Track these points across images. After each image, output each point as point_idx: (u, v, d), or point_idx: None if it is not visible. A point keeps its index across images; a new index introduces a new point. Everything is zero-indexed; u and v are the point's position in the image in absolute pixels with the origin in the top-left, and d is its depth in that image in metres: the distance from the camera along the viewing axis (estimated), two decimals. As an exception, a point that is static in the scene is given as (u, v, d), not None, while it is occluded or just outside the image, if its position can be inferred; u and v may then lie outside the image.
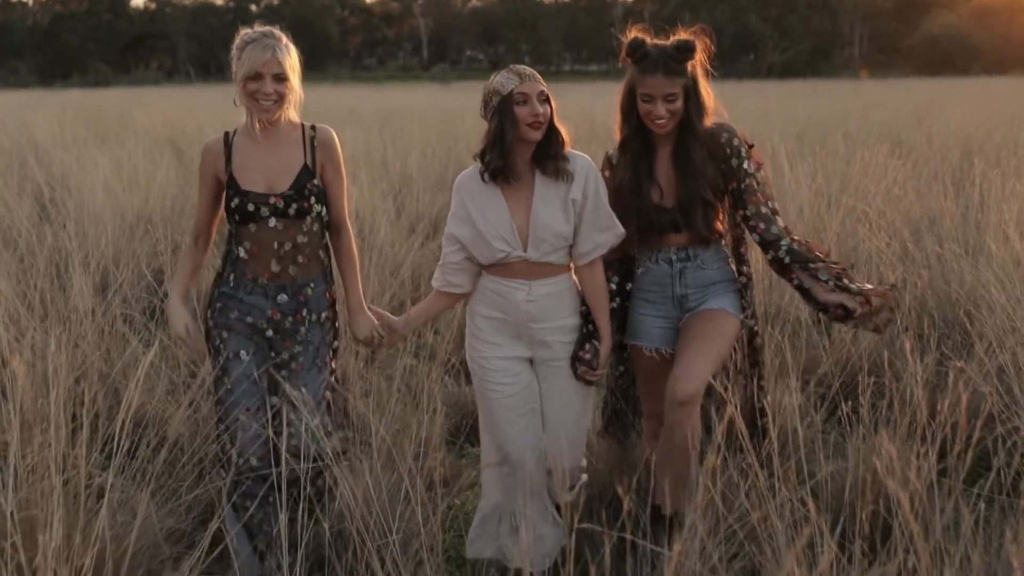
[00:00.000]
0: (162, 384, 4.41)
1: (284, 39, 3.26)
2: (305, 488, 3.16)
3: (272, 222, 3.27)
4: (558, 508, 3.35)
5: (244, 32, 3.27)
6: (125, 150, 11.19)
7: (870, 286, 3.31)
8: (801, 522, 2.94)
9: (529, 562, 3.10)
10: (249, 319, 3.32)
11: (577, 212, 3.24)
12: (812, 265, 3.32)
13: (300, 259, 3.31)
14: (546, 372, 3.34)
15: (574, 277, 3.37)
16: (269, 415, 3.21)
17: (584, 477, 3.49)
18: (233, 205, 3.28)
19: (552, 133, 3.20)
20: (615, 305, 3.48)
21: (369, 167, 10.60)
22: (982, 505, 3.20)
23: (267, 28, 3.28)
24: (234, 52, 3.26)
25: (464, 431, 4.52)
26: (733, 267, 3.50)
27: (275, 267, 3.29)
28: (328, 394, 3.39)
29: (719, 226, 3.43)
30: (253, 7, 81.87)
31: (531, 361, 3.36)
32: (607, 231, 3.30)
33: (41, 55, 73.26)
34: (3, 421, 3.55)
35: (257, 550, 3.30)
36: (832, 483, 3.55)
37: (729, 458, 3.45)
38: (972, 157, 9.07)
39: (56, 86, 56.32)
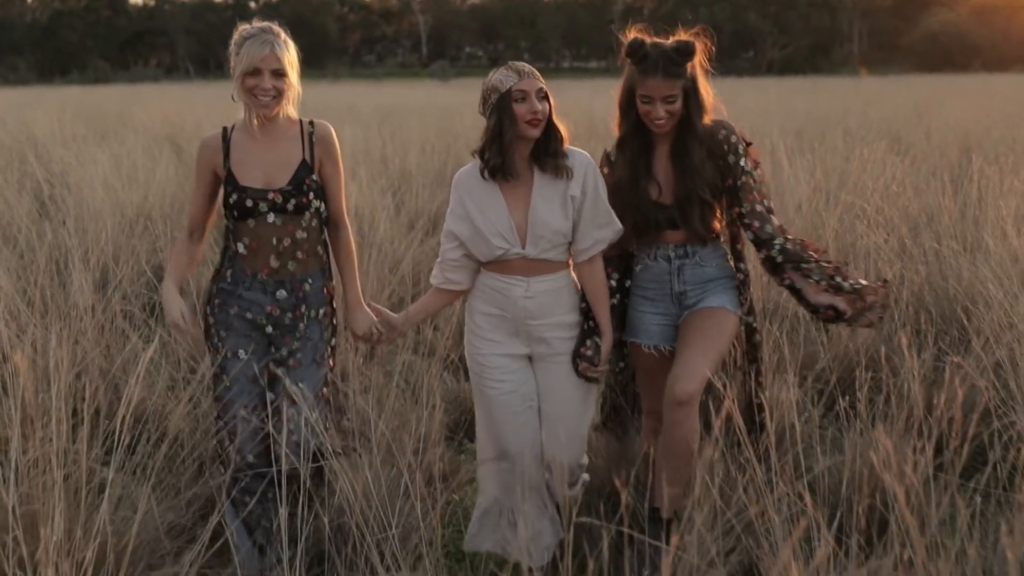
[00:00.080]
0: (162, 380, 4.42)
1: (283, 35, 3.27)
2: (305, 483, 3.17)
3: (271, 218, 3.28)
4: (558, 506, 3.36)
5: (242, 28, 3.27)
6: (124, 147, 11.19)
7: (864, 282, 3.31)
8: (798, 516, 2.96)
9: (528, 556, 3.12)
10: (248, 315, 3.33)
11: (576, 209, 3.25)
12: (805, 265, 3.32)
13: (299, 255, 3.32)
14: (544, 368, 3.35)
15: (573, 274, 3.38)
16: (269, 411, 3.21)
17: (585, 476, 3.49)
18: (231, 201, 3.28)
19: (551, 130, 3.20)
20: (615, 302, 3.48)
21: (368, 164, 10.61)
22: (978, 499, 3.22)
23: (265, 24, 3.29)
24: (232, 48, 3.26)
25: (463, 427, 4.53)
26: (731, 264, 3.51)
27: (274, 263, 3.30)
28: (325, 390, 3.39)
29: (717, 226, 3.43)
30: (252, 3, 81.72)
31: (530, 358, 3.37)
32: (606, 227, 3.30)
33: (40, 52, 73.22)
34: (4, 416, 3.57)
35: (257, 544, 3.32)
36: (829, 477, 3.57)
37: (727, 453, 3.47)
38: (971, 154, 9.08)
39: (55, 83, 56.27)
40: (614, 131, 3.47)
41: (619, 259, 3.51)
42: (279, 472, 3.01)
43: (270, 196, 3.27)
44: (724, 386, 3.12)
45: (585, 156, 3.29)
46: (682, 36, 3.29)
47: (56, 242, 6.70)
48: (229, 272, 3.36)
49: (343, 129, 12.53)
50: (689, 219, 3.35)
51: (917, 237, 6.34)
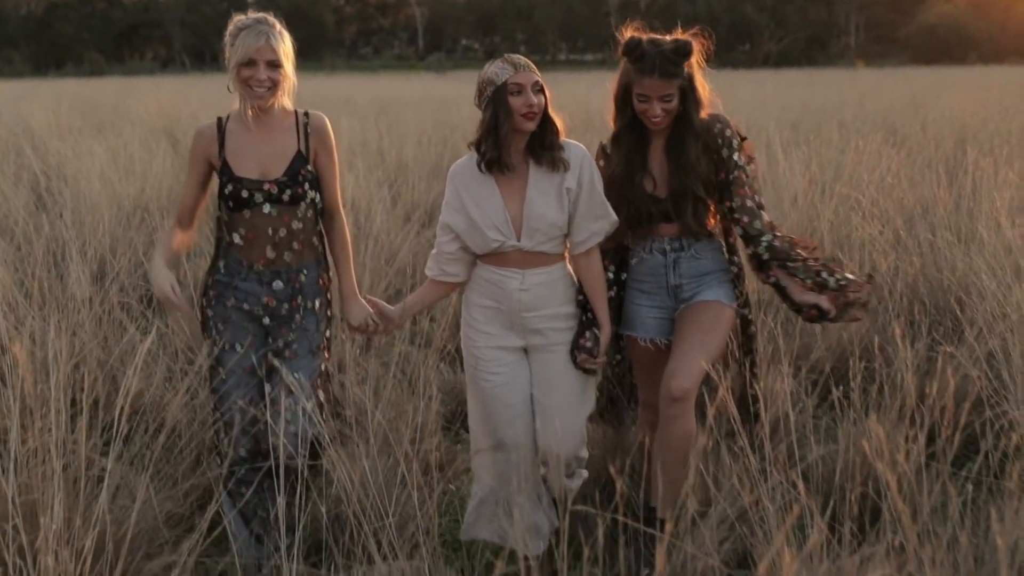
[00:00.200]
0: (160, 371, 4.44)
1: (278, 25, 3.27)
2: (303, 473, 3.19)
3: (266, 208, 3.28)
4: (554, 498, 3.38)
5: (238, 18, 3.28)
6: (121, 139, 11.18)
7: (851, 276, 3.32)
8: (792, 504, 2.98)
9: (524, 545, 3.14)
10: (245, 306, 3.34)
11: (572, 201, 3.25)
12: (791, 264, 3.32)
13: (295, 245, 3.33)
14: (540, 359, 3.35)
15: (569, 267, 3.39)
16: (267, 401, 3.22)
17: (584, 473, 3.49)
18: (227, 191, 3.29)
19: (546, 123, 3.21)
20: (611, 294, 3.48)
21: (365, 156, 10.62)
22: (970, 487, 3.24)
23: (261, 15, 3.28)
24: (228, 39, 3.26)
25: (459, 417, 4.55)
26: (727, 256, 3.52)
27: (270, 253, 3.31)
28: (319, 381, 3.40)
29: (712, 221, 3.43)
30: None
31: (525, 350, 3.38)
32: (602, 219, 3.31)
33: (35, 44, 72.94)
34: (3, 407, 3.58)
35: (254, 533, 3.34)
36: (823, 466, 3.59)
37: (721, 442, 3.49)
38: (966, 146, 9.10)
39: (50, 76, 56.10)
40: (610, 124, 3.48)
41: (615, 252, 3.51)
42: (276, 462, 3.02)
43: (266, 187, 3.27)
44: (719, 376, 3.14)
45: (581, 148, 3.30)
46: (679, 34, 3.29)
47: (53, 234, 6.71)
48: (222, 263, 3.37)
49: (340, 121, 12.53)
50: (682, 213, 3.35)
51: (912, 229, 6.36)
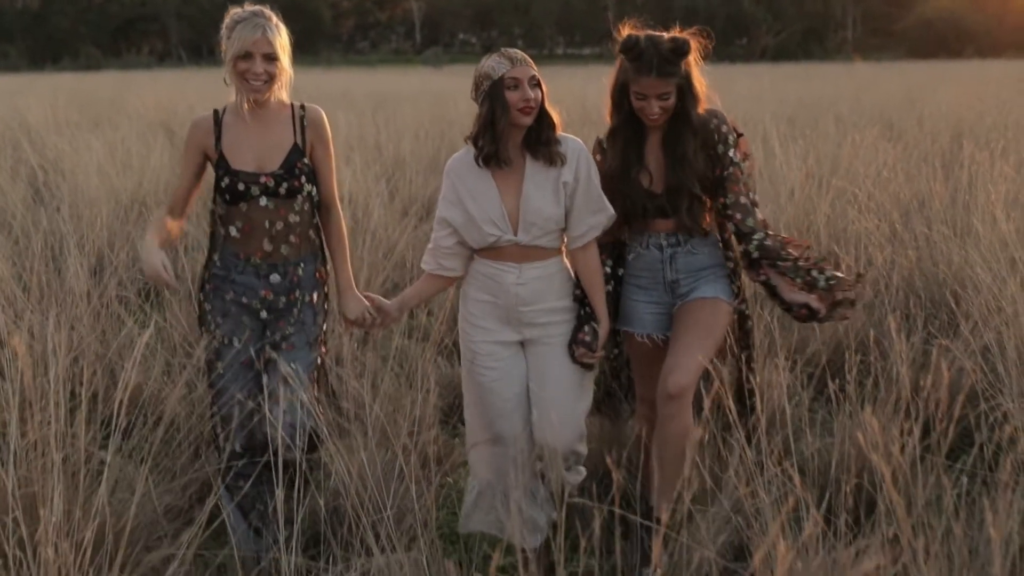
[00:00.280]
0: (158, 365, 4.45)
1: (274, 19, 3.27)
2: (301, 465, 3.20)
3: (263, 201, 3.28)
4: (552, 494, 3.38)
5: (234, 11, 3.27)
6: (118, 133, 11.18)
7: (841, 275, 3.32)
8: (787, 497, 3.00)
9: (521, 538, 3.16)
10: (244, 300, 3.34)
11: (569, 195, 3.26)
12: (781, 263, 3.32)
13: (292, 238, 3.33)
14: (537, 351, 3.36)
15: (566, 261, 3.39)
16: (266, 394, 3.22)
17: (582, 470, 3.49)
18: (223, 184, 3.29)
19: (543, 117, 3.21)
20: (609, 289, 3.48)
21: (362, 150, 10.62)
22: (964, 480, 3.26)
23: (257, 7, 3.28)
24: (224, 31, 3.26)
25: (457, 411, 4.56)
26: (723, 251, 3.52)
27: (267, 246, 3.31)
28: (314, 373, 3.40)
29: (707, 218, 3.43)
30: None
31: (522, 344, 3.39)
32: (599, 213, 3.31)
33: (31, 38, 72.70)
34: (2, 400, 3.59)
35: (252, 526, 3.35)
36: (819, 459, 3.61)
37: (717, 435, 3.51)
38: (962, 140, 9.11)
39: (47, 70, 55.93)
40: (606, 120, 3.48)
41: (612, 247, 3.51)
42: (274, 454, 3.03)
43: (262, 180, 3.28)
44: (715, 370, 3.15)
45: (578, 142, 3.31)
46: (677, 32, 3.29)
47: (51, 228, 6.71)
48: (217, 256, 3.37)
49: (337, 115, 12.53)
50: (678, 209, 3.35)
51: (908, 222, 6.38)
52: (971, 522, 3.04)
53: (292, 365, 3.25)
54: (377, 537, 3.04)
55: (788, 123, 11.75)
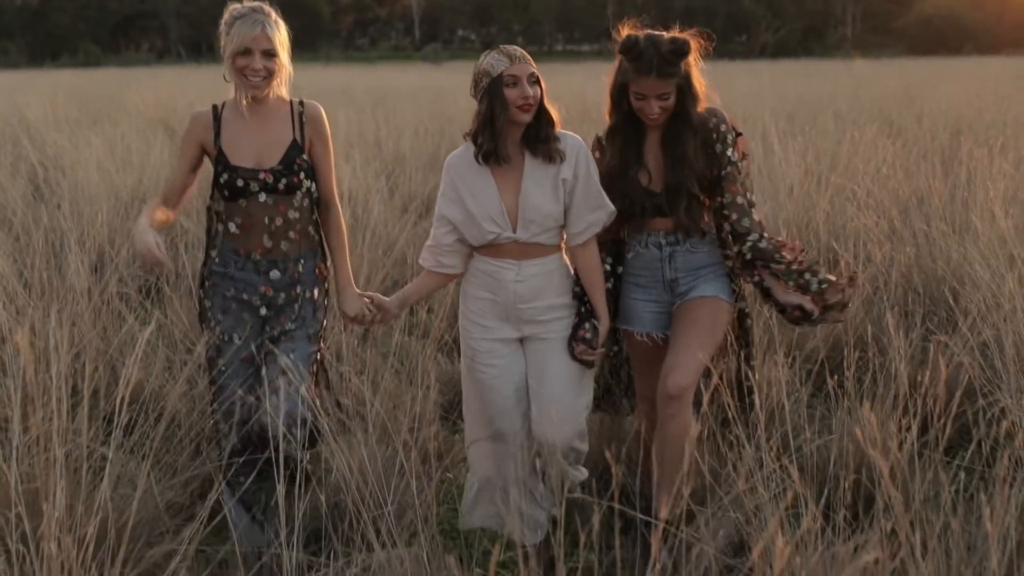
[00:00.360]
0: (159, 361, 4.46)
1: (273, 15, 3.26)
2: (302, 461, 3.21)
3: (262, 197, 3.28)
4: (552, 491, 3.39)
5: (233, 7, 3.27)
6: (118, 130, 11.18)
7: (833, 278, 3.32)
8: (787, 492, 3.01)
9: (521, 534, 3.17)
10: (244, 296, 3.35)
11: (568, 192, 3.26)
12: (774, 265, 3.31)
13: (291, 235, 3.34)
14: (536, 347, 3.36)
15: (565, 258, 3.40)
16: (266, 387, 3.23)
17: (584, 471, 3.48)
18: (222, 180, 3.29)
19: (542, 115, 3.21)
20: (608, 286, 3.48)
21: (362, 147, 10.63)
22: (962, 475, 3.28)
23: (256, 3, 3.28)
24: (223, 27, 3.26)
25: (457, 407, 4.56)
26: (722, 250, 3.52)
27: (267, 242, 3.31)
28: (312, 367, 3.41)
29: (705, 218, 3.42)
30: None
31: (521, 341, 3.39)
32: (599, 210, 3.31)
33: (31, 35, 72.61)
34: (4, 396, 3.60)
35: (256, 519, 3.36)
36: (818, 455, 3.62)
37: (717, 431, 3.52)
38: (961, 136, 9.12)
39: (46, 66, 55.86)
40: (606, 118, 3.49)
41: (611, 244, 3.51)
42: (274, 446, 3.03)
43: (261, 176, 3.28)
44: (714, 367, 3.16)
45: (577, 139, 3.31)
46: (677, 32, 3.29)
47: (52, 225, 6.72)
48: (215, 253, 3.38)
49: (337, 112, 12.54)
50: (676, 209, 3.35)
51: (907, 219, 6.39)
52: (969, 517, 3.06)
53: (290, 356, 3.26)
54: (378, 533, 3.05)
55: (787, 120, 11.75)
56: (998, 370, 4.02)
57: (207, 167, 3.42)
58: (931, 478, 3.08)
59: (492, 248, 3.30)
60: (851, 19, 77.12)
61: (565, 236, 3.38)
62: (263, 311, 3.36)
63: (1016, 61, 33.96)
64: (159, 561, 3.08)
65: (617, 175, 3.38)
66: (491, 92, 3.15)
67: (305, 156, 3.34)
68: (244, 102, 3.29)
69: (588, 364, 3.38)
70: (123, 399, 2.96)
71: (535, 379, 3.35)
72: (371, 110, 14.76)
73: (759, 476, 3.00)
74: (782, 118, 11.74)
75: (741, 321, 3.57)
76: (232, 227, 3.32)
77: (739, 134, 3.41)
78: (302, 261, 3.38)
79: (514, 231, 3.25)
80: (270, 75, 3.25)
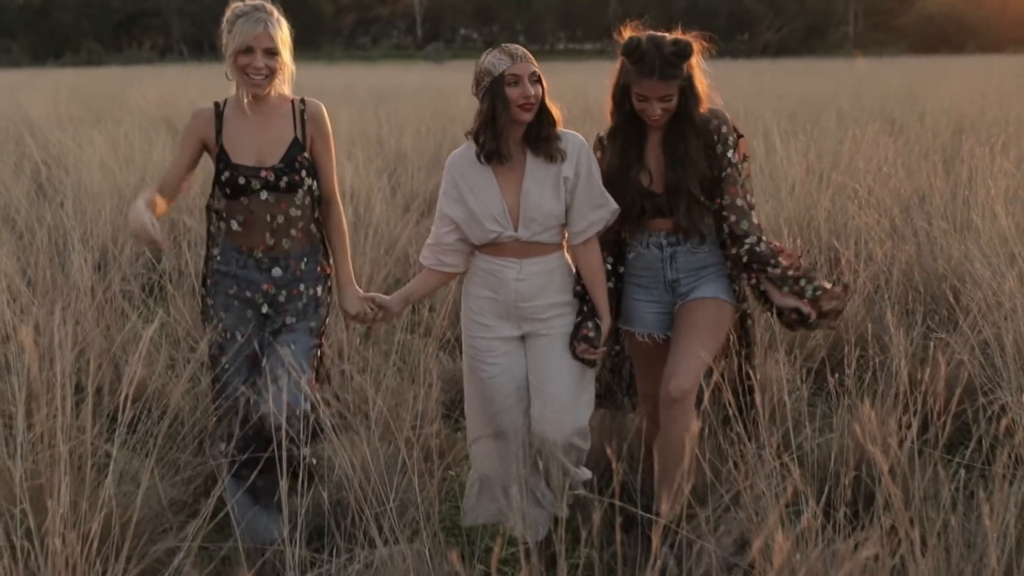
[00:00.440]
0: (162, 359, 4.48)
1: (275, 13, 3.27)
2: (305, 459, 3.22)
3: (264, 195, 3.29)
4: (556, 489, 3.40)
5: (235, 5, 3.27)
6: (120, 128, 11.19)
7: (828, 285, 3.31)
8: (787, 489, 3.02)
9: (522, 531, 3.18)
10: (247, 293, 3.36)
11: (569, 190, 3.26)
12: (770, 270, 3.31)
13: (293, 232, 3.34)
14: (537, 344, 3.36)
15: (567, 256, 3.40)
16: (266, 379, 3.23)
17: (586, 472, 3.47)
18: (224, 178, 3.30)
19: (543, 114, 3.22)
20: (610, 286, 3.47)
21: (364, 145, 10.64)
22: (962, 472, 3.29)
23: (258, 2, 3.28)
24: (225, 25, 3.26)
25: (459, 405, 4.57)
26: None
27: (269, 240, 3.32)
28: (313, 361, 3.42)
29: (705, 219, 3.40)
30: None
31: (523, 338, 3.39)
32: (600, 208, 3.32)
33: (33, 34, 72.58)
34: (8, 393, 3.62)
35: (265, 504, 3.35)
36: (818, 452, 3.63)
37: (718, 429, 3.53)
38: (963, 135, 9.13)
39: (49, 65, 55.88)
40: (607, 118, 3.49)
41: (613, 244, 3.51)
42: (279, 443, 3.04)
43: (262, 174, 3.29)
44: (715, 365, 3.17)
45: (578, 138, 3.31)
46: (679, 34, 3.28)
47: (55, 223, 6.74)
48: (217, 251, 3.38)
49: (339, 111, 12.55)
50: (675, 210, 3.34)
51: (908, 217, 6.40)
52: (968, 514, 3.08)
53: (291, 347, 3.27)
54: (380, 529, 3.07)
55: (789, 119, 11.76)
56: (998, 368, 4.03)
57: (208, 166, 3.42)
58: (931, 475, 3.10)
59: (493, 247, 3.31)
60: (853, 17, 77.03)
61: (567, 235, 3.38)
62: (265, 308, 3.38)
63: (1018, 59, 33.93)
64: (162, 557, 3.10)
65: (617, 175, 3.39)
66: (493, 91, 3.16)
67: (306, 154, 3.35)
68: (245, 100, 3.30)
69: (590, 363, 3.38)
70: (127, 396, 2.97)
71: (535, 376, 3.35)
72: (373, 109, 14.77)
73: (760, 474, 3.01)
74: (784, 117, 11.75)
75: (742, 321, 3.56)
76: (234, 225, 3.33)
77: (740, 136, 3.41)
78: (304, 259, 3.39)
79: (515, 230, 3.26)
80: (272, 73, 3.25)
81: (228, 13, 3.27)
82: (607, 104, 3.43)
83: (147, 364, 4.30)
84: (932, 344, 3.56)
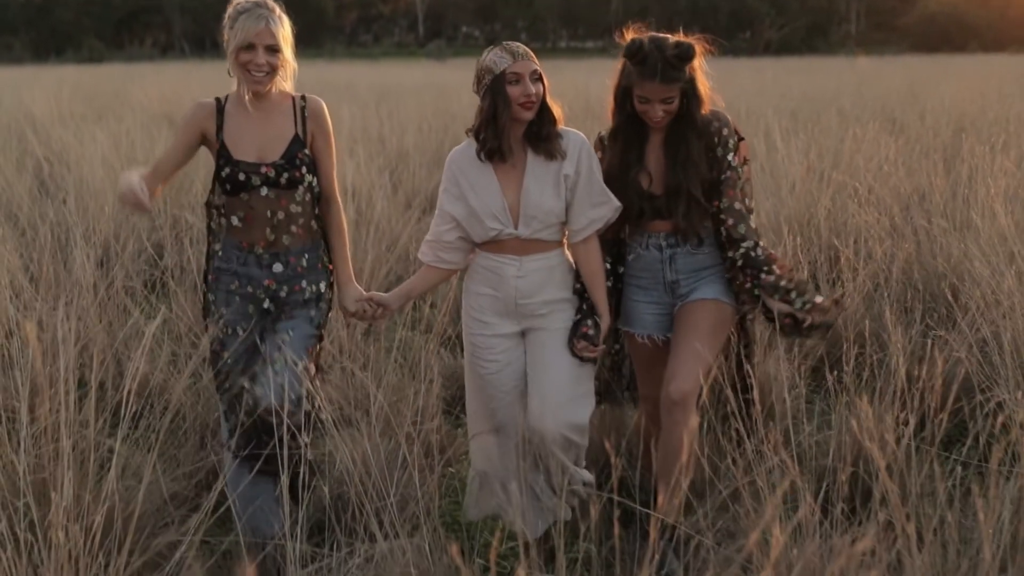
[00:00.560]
0: (164, 354, 4.50)
1: (277, 9, 3.27)
2: (304, 450, 3.23)
3: (264, 191, 3.30)
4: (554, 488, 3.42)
5: (237, 2, 3.28)
6: (123, 125, 11.21)
7: (819, 299, 3.31)
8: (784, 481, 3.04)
9: (521, 527, 3.20)
10: (248, 289, 3.37)
11: (570, 188, 3.27)
12: (763, 276, 3.30)
13: (293, 228, 3.35)
14: (535, 339, 3.37)
15: (567, 253, 3.41)
16: (266, 364, 3.25)
17: (587, 475, 3.44)
18: (224, 174, 3.30)
19: (544, 112, 3.22)
20: (609, 285, 3.47)
21: (366, 143, 10.66)
22: (959, 469, 3.30)
23: None
24: (226, 22, 3.27)
25: (459, 401, 4.60)
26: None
27: (270, 235, 3.32)
28: (312, 349, 3.41)
29: (704, 221, 3.41)
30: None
31: (523, 334, 3.40)
32: (601, 206, 3.32)
33: (35, 31, 72.58)
34: (12, 388, 3.64)
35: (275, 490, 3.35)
36: (817, 449, 3.65)
37: (716, 426, 3.55)
38: (964, 134, 9.14)
39: (50, 62, 55.91)
40: (608, 119, 3.49)
41: (612, 244, 3.50)
42: (280, 438, 3.06)
43: (263, 170, 3.29)
44: (715, 364, 3.19)
45: (579, 136, 3.32)
46: (681, 36, 3.28)
47: (58, 220, 6.76)
48: (219, 247, 3.39)
49: (341, 108, 12.57)
50: (675, 212, 3.34)
51: (908, 216, 6.41)
52: (965, 511, 3.09)
53: (289, 334, 3.28)
54: (381, 524, 3.09)
55: (791, 117, 11.77)
56: (996, 365, 4.04)
57: (209, 162, 3.43)
58: (928, 472, 3.11)
59: (494, 244, 3.32)
60: (855, 16, 77.02)
61: (567, 232, 3.40)
62: (267, 304, 3.38)
63: (1020, 59, 33.89)
64: (164, 551, 3.12)
65: (617, 176, 3.39)
66: (494, 89, 3.17)
67: (307, 151, 3.36)
68: (247, 96, 3.31)
69: (589, 361, 3.38)
70: (129, 391, 2.99)
71: (533, 369, 3.35)
72: (375, 106, 14.78)
73: (759, 469, 3.03)
74: (785, 115, 11.76)
75: (741, 320, 3.57)
76: (234, 220, 3.34)
77: (741, 139, 3.40)
78: (305, 255, 3.40)
79: (516, 227, 3.27)
80: (273, 70, 3.26)
81: (230, 10, 3.27)
82: (608, 104, 3.44)
83: (149, 360, 4.32)
84: (930, 342, 3.57)
